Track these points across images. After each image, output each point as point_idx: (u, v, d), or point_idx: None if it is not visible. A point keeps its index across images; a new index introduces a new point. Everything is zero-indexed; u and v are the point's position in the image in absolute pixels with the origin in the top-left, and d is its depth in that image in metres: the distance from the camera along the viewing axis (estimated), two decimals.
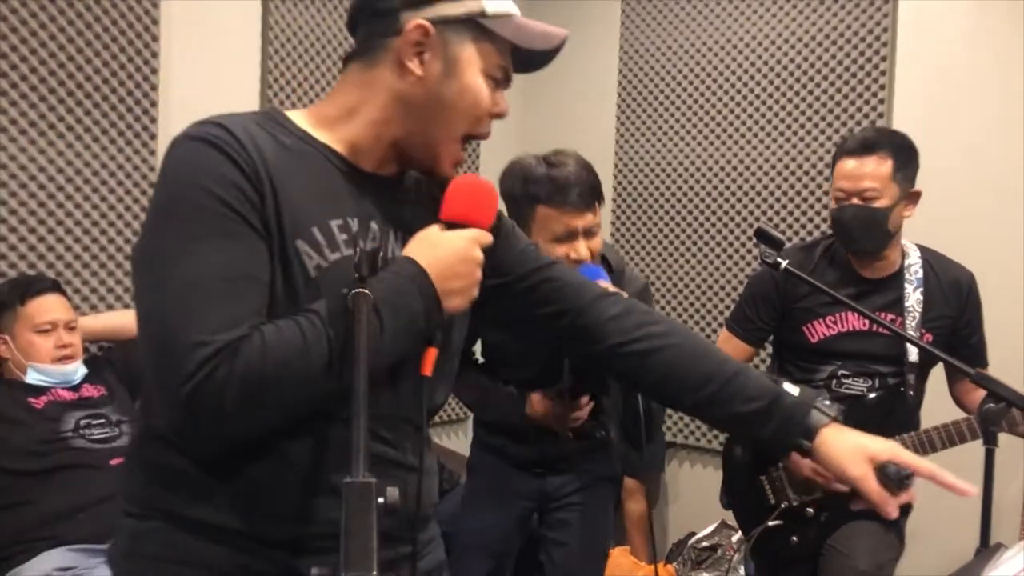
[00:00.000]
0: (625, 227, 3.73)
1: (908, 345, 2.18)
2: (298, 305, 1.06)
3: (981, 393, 2.27)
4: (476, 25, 1.16)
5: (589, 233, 1.89)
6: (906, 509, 2.22)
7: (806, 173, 3.24)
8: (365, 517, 0.82)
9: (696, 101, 3.52)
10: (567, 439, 2.07)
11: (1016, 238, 2.82)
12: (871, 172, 2.11)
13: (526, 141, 4.03)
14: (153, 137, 2.78)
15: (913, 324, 2.19)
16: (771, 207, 3.33)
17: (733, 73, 3.41)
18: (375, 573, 0.80)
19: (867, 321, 2.18)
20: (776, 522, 2.21)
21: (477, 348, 2.25)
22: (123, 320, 2.64)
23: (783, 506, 2.22)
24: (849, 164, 2.13)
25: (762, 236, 1.93)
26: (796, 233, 3.26)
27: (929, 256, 2.26)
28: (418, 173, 1.25)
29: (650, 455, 3.51)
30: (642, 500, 3.49)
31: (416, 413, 1.18)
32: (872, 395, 2.21)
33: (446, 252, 1.13)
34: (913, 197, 2.18)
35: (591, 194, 1.89)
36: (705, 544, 3.30)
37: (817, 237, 2.45)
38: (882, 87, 3.06)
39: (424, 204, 1.23)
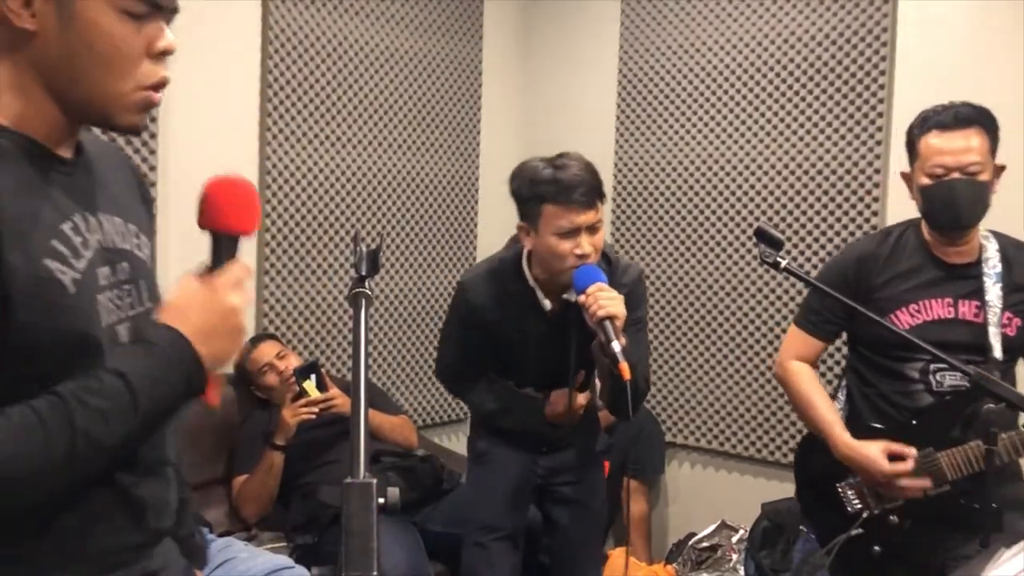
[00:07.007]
0: (625, 227, 3.73)
1: (991, 339, 2.05)
2: (62, 327, 0.95)
3: None
4: None
5: (592, 229, 2.02)
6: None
7: (806, 173, 3.24)
8: (365, 517, 0.82)
9: (696, 100, 3.52)
10: (574, 423, 2.26)
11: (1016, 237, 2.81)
12: (976, 146, 2.01)
13: (526, 141, 4.04)
14: (153, 136, 2.75)
15: (994, 320, 2.08)
16: (771, 207, 3.32)
17: (733, 73, 3.41)
18: (375, 573, 0.80)
19: (952, 308, 2.10)
20: (858, 531, 2.11)
21: None
22: None
23: (864, 515, 2.12)
24: (949, 138, 2.01)
25: (762, 236, 1.92)
26: (796, 233, 3.26)
27: (1002, 240, 2.16)
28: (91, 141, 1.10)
29: (650, 456, 3.52)
30: (643, 501, 3.49)
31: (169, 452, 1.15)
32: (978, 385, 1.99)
33: (207, 316, 1.01)
34: (999, 172, 2.08)
35: (593, 193, 2.02)
36: (705, 544, 3.30)
37: (891, 226, 2.29)
38: (882, 87, 3.06)
39: (111, 175, 1.10)
